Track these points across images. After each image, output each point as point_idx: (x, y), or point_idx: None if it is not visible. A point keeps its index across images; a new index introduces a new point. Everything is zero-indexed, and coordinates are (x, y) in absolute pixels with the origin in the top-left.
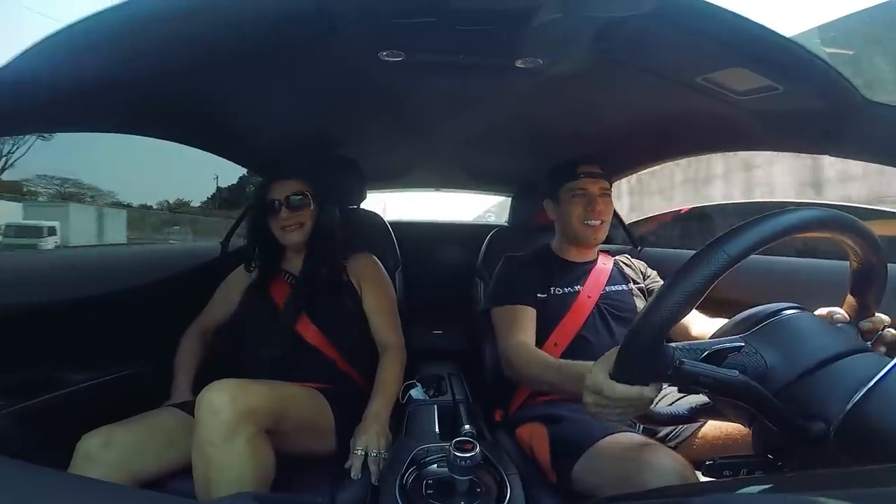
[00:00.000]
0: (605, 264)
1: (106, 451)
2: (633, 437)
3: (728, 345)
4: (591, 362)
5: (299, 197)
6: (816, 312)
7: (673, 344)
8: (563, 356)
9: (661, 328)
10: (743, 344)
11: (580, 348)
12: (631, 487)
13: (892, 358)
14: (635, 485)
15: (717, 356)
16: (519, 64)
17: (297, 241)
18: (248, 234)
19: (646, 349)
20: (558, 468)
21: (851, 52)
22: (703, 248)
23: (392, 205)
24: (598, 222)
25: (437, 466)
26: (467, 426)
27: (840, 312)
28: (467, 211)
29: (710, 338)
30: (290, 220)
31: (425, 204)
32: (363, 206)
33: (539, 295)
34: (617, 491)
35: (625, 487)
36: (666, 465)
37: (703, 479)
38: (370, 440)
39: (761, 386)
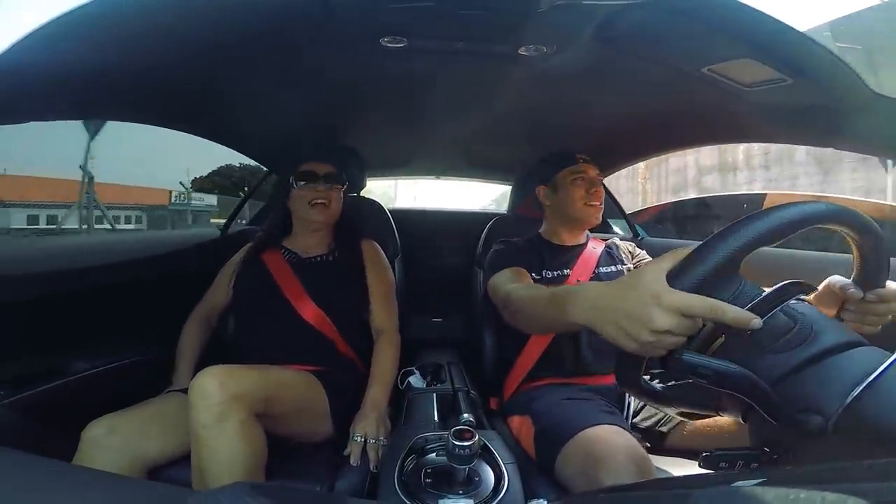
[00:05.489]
0: (594, 248)
1: (110, 438)
2: (601, 431)
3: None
4: (577, 286)
5: (335, 175)
6: (820, 286)
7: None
8: (552, 343)
9: (738, 251)
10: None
11: (569, 334)
12: (592, 485)
13: (892, 353)
14: (593, 483)
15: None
16: (522, 51)
17: (320, 220)
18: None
19: (721, 265)
20: (542, 461)
21: (861, 47)
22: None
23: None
24: (598, 203)
25: (436, 455)
26: (466, 415)
27: (846, 285)
28: (474, 197)
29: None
30: (321, 195)
31: (434, 190)
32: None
33: (532, 274)
34: (584, 488)
35: (590, 485)
36: (620, 463)
37: (697, 471)
38: (369, 427)
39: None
